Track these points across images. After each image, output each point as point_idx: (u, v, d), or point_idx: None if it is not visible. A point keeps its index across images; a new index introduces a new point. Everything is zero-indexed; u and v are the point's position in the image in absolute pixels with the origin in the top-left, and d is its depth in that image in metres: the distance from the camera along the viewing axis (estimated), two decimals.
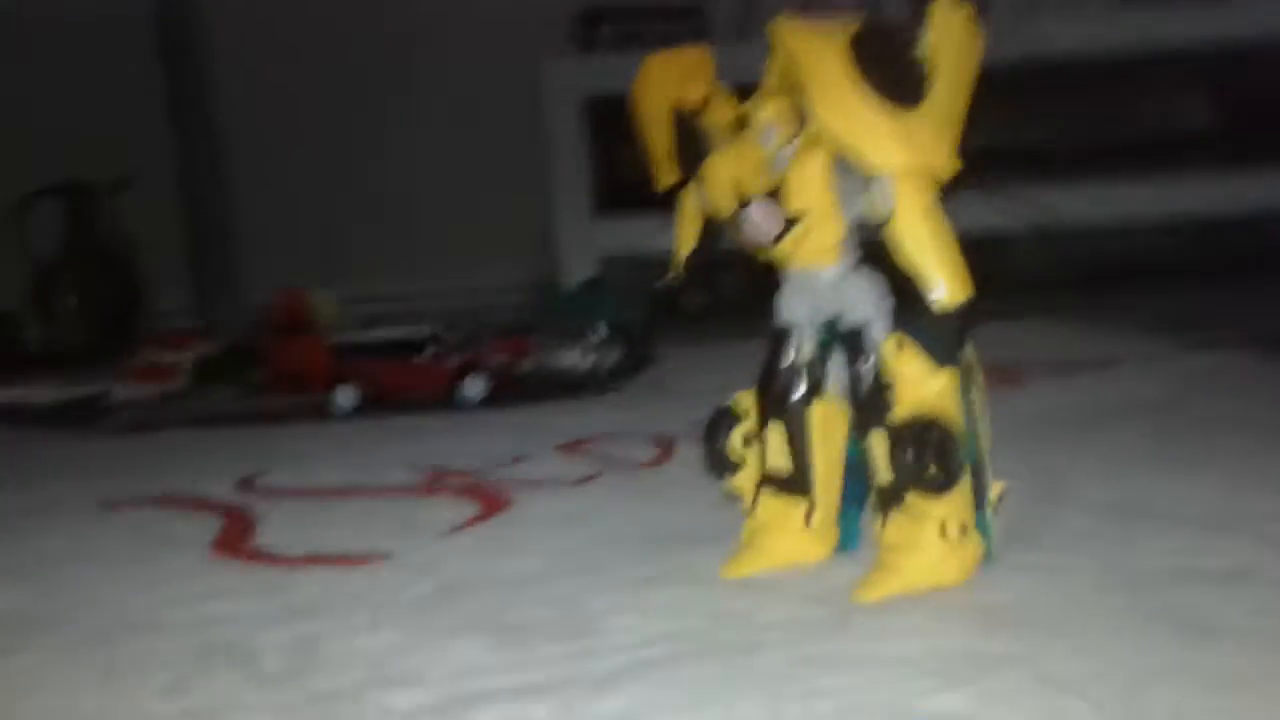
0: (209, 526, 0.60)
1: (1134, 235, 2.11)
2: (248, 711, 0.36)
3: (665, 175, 0.48)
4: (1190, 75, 2.06)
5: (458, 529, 0.57)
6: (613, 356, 1.07)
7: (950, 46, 0.42)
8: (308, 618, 0.45)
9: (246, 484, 0.70)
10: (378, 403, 1.03)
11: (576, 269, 1.71)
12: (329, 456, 0.80)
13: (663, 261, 0.50)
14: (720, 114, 0.47)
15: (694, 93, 0.47)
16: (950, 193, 0.42)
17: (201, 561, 0.54)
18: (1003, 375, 0.92)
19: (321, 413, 1.02)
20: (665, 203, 0.50)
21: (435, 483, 0.68)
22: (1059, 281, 1.98)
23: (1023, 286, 1.99)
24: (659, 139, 0.48)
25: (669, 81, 0.47)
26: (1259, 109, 1.92)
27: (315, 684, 0.38)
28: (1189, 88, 2.10)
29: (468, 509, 0.60)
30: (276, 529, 0.59)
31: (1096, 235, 2.00)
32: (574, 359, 1.03)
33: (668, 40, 0.51)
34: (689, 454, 0.71)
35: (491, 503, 0.61)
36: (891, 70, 0.40)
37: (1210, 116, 2.07)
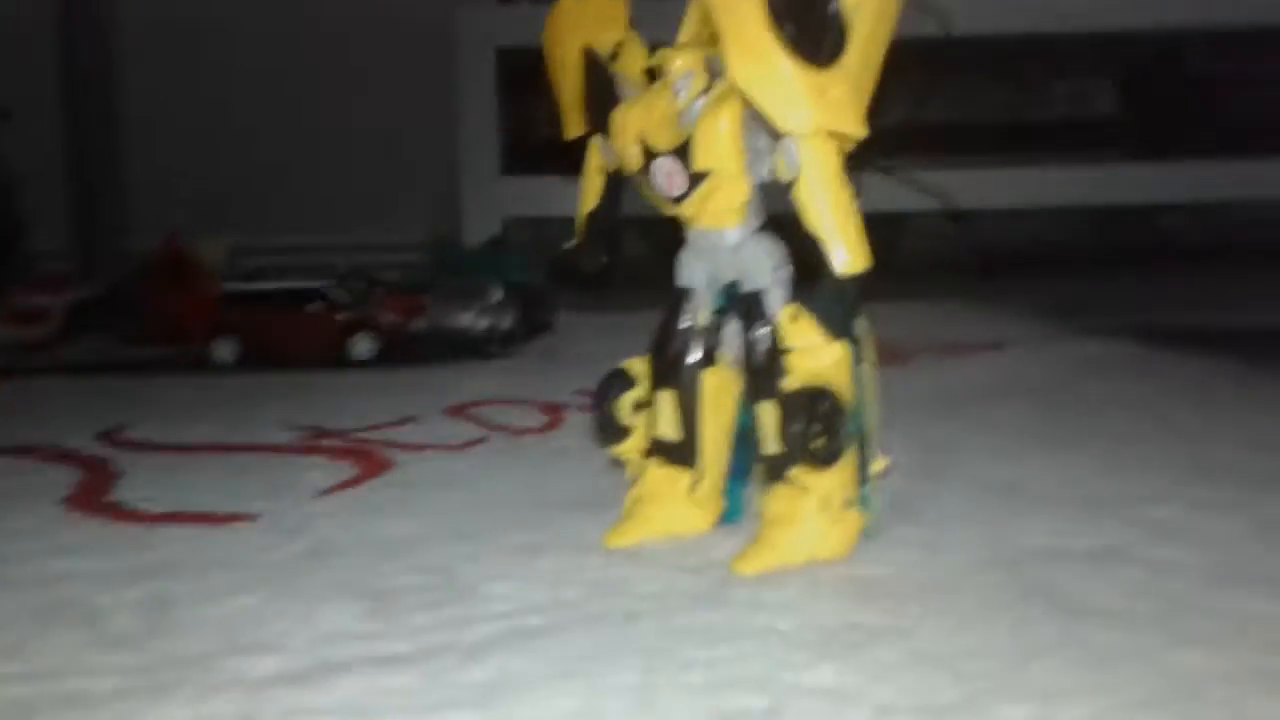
0: (66, 480, 0.57)
1: (1031, 220, 2.17)
2: (90, 675, 0.34)
3: (573, 124, 0.47)
4: (1099, 62, 2.11)
5: (331, 490, 0.55)
6: (509, 320, 1.05)
7: (870, 6, 0.41)
8: (163, 578, 0.42)
9: (110, 436, 0.67)
10: (261, 357, 1.00)
11: (479, 228, 1.68)
12: (203, 411, 0.76)
13: (567, 224, 0.49)
14: (633, 63, 0.45)
15: (607, 38, 0.45)
16: (854, 167, 0.41)
17: (54, 516, 0.51)
18: (893, 354, 0.93)
19: (200, 365, 0.98)
20: (573, 166, 0.48)
21: (313, 442, 0.65)
22: (953, 263, 2.02)
23: (917, 267, 2.03)
24: (568, 85, 0.46)
25: (582, 24, 0.46)
26: (1163, 100, 1.98)
27: (165, 648, 0.36)
28: (1097, 74, 2.15)
29: (345, 470, 0.58)
30: (138, 485, 0.56)
31: (994, 219, 2.04)
32: (469, 320, 1.00)
33: None
34: (579, 421, 0.70)
35: (370, 465, 0.59)
36: (809, 26, 0.39)
37: (1116, 105, 2.13)
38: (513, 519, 0.49)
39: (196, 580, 0.42)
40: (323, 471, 0.58)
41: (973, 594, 0.39)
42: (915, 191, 1.75)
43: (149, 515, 0.51)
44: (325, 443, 0.65)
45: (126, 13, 2.21)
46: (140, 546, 0.46)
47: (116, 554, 0.45)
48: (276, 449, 0.64)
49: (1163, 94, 1.99)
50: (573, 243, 0.49)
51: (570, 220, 0.49)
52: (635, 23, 0.46)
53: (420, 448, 0.63)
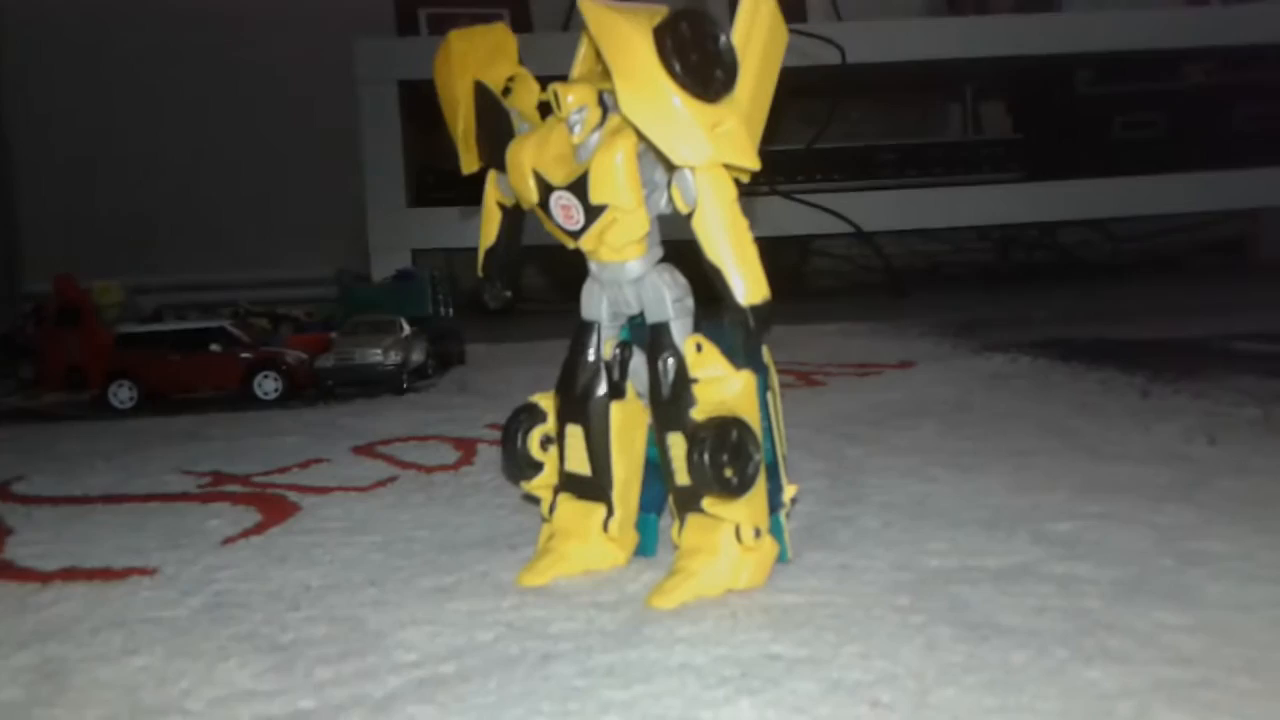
0: None
1: (936, 240, 2.22)
2: None
3: (468, 159, 0.46)
4: (993, 86, 2.17)
5: (233, 539, 0.53)
6: (419, 353, 1.04)
7: (759, 37, 0.42)
8: (57, 640, 0.40)
9: (2, 490, 0.64)
10: (161, 400, 0.97)
11: (387, 261, 1.66)
12: (99, 459, 0.74)
13: (473, 255, 0.48)
14: (525, 97, 0.45)
15: (498, 72, 0.45)
16: (753, 192, 0.41)
17: None
18: (804, 377, 0.94)
19: (97, 410, 0.95)
20: (481, 196, 0.47)
21: (214, 489, 0.63)
22: (862, 284, 2.05)
23: (827, 289, 2.05)
24: (461, 120, 0.46)
25: (472, 58, 0.45)
26: (1056, 122, 2.04)
27: (57, 715, 0.34)
28: (991, 98, 2.21)
29: (248, 517, 0.56)
30: (30, 540, 0.54)
31: (899, 239, 2.08)
32: (377, 356, 0.99)
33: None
34: (492, 456, 0.69)
35: (275, 511, 0.57)
36: (699, 61, 0.39)
37: (1010, 127, 2.19)
38: (424, 561, 0.48)
39: (91, 641, 0.40)
40: (225, 520, 0.56)
41: (886, 618, 0.39)
42: (820, 213, 1.78)
43: (41, 573, 0.49)
44: (227, 489, 0.63)
45: (14, 51, 2.15)
46: (31, 608, 0.44)
47: (8, 616, 0.43)
48: (176, 497, 0.62)
49: (1055, 116, 2.06)
50: (480, 277, 0.48)
51: (477, 250, 0.48)
52: (540, 63, 0.45)
53: (327, 490, 0.62)
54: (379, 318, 1.04)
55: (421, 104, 1.77)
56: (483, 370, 1.13)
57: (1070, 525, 0.48)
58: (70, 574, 0.48)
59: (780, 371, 0.46)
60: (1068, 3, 2.03)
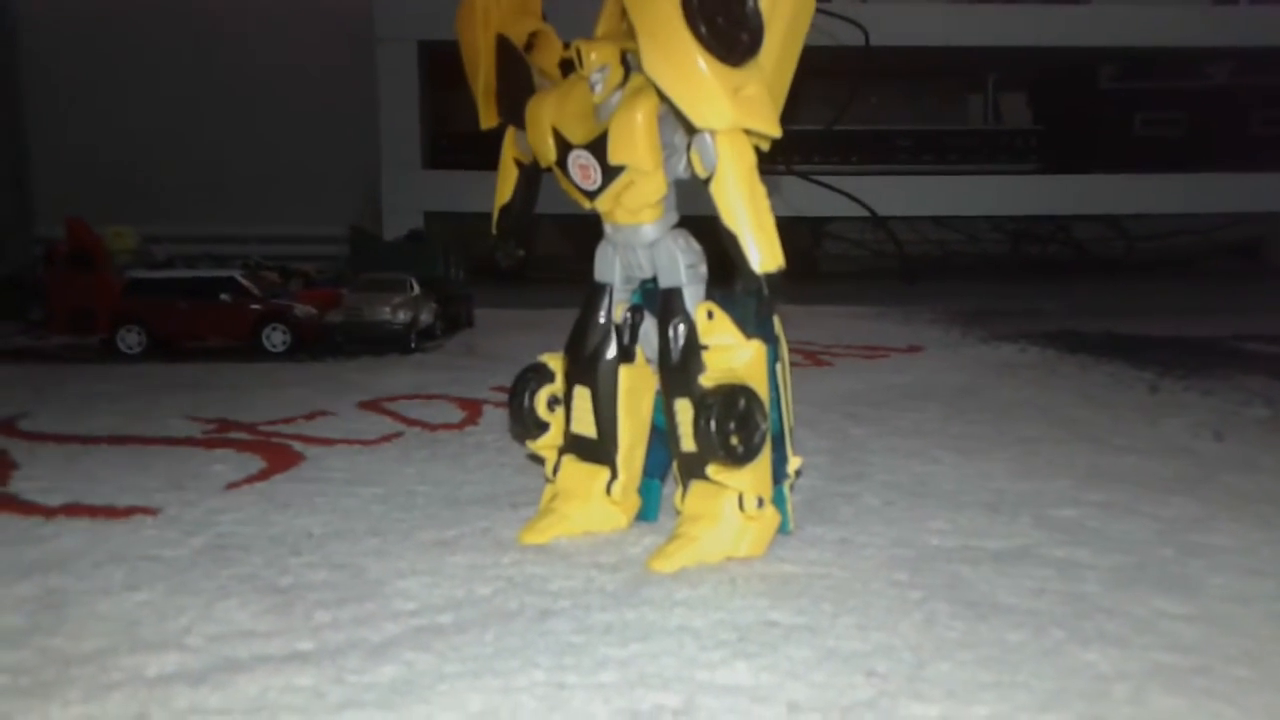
0: None
1: (949, 228, 2.21)
2: None
3: (487, 114, 0.46)
4: (1016, 77, 2.15)
5: (237, 484, 0.53)
6: (427, 314, 1.04)
7: (786, 6, 0.41)
8: (58, 572, 0.41)
9: (7, 426, 0.64)
10: (170, 347, 0.97)
11: (400, 222, 1.66)
12: (106, 401, 0.74)
13: (487, 219, 0.48)
14: (548, 54, 0.44)
15: (521, 27, 0.45)
16: (770, 171, 0.41)
17: None
18: (812, 356, 0.94)
19: (105, 354, 0.95)
20: (495, 161, 0.47)
21: (219, 435, 0.63)
22: (875, 269, 2.05)
23: (839, 272, 2.05)
24: (482, 75, 0.45)
25: (495, 12, 0.45)
26: (1077, 116, 2.03)
27: (57, 645, 0.34)
28: (1013, 89, 2.20)
29: (252, 464, 0.57)
30: (35, 476, 0.54)
31: (913, 226, 2.07)
32: (386, 314, 0.99)
33: None
34: (497, 417, 0.69)
35: (279, 459, 0.58)
36: (724, 24, 0.38)
37: (1030, 119, 2.18)
38: (425, 515, 0.48)
39: (92, 575, 0.40)
40: (229, 465, 0.57)
41: (885, 592, 0.39)
42: (835, 195, 1.77)
43: (45, 508, 0.49)
44: (232, 435, 0.63)
45: (30, 3, 2.14)
46: (34, 540, 0.44)
47: (10, 547, 0.43)
48: (181, 441, 0.62)
49: (1076, 109, 2.04)
50: (493, 238, 0.48)
51: (490, 215, 0.48)
52: (562, 27, 0.45)
53: (331, 442, 0.62)
54: (389, 276, 1.04)
55: (440, 65, 1.76)
56: (491, 334, 1.13)
57: (1073, 512, 0.48)
58: (73, 509, 0.48)
59: (789, 349, 0.46)
60: None
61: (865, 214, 1.80)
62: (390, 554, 0.43)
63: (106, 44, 2.16)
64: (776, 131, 0.40)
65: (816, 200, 1.78)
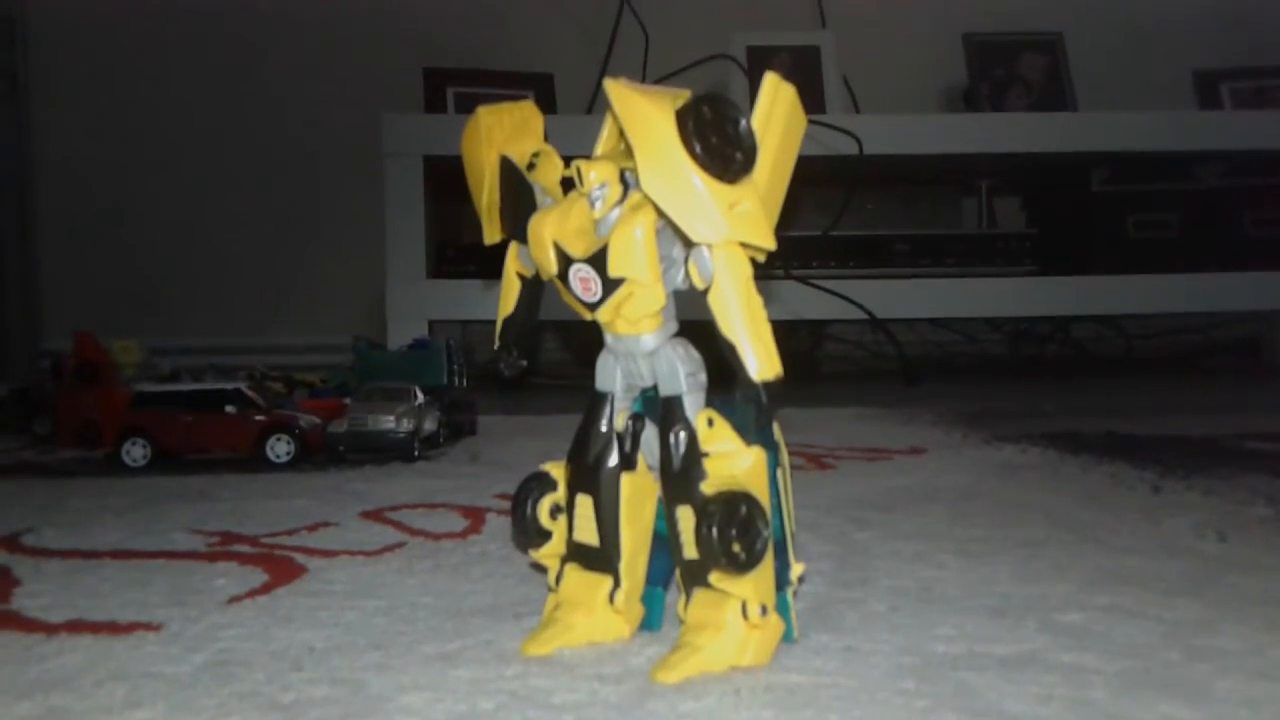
0: None
1: (949, 330, 2.23)
2: None
3: (490, 230, 0.47)
4: (1008, 182, 2.20)
5: (239, 598, 0.53)
6: (431, 422, 1.05)
7: (778, 122, 0.43)
8: (59, 691, 0.40)
9: (10, 542, 0.65)
10: (174, 459, 0.97)
11: (404, 330, 1.67)
12: (109, 515, 0.74)
13: (490, 326, 0.49)
14: (549, 172, 0.46)
15: (523, 147, 0.46)
16: (768, 276, 0.42)
17: None
18: (814, 459, 0.94)
19: (110, 467, 0.95)
20: (497, 270, 0.48)
21: (222, 548, 0.63)
22: (874, 372, 2.06)
23: (840, 374, 2.06)
24: (486, 192, 0.47)
25: (499, 132, 0.46)
26: (1070, 219, 2.06)
27: None
28: (1007, 193, 2.24)
29: (254, 577, 0.56)
30: (38, 592, 0.54)
31: (913, 329, 2.09)
32: (389, 423, 0.99)
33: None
34: (500, 525, 0.69)
35: (281, 571, 0.58)
36: (719, 142, 0.40)
37: (1025, 222, 2.22)
38: (428, 627, 0.48)
39: (94, 693, 0.40)
40: (231, 579, 0.56)
41: (891, 702, 0.38)
42: (834, 299, 1.79)
43: (47, 625, 0.49)
44: (235, 549, 0.63)
45: (45, 109, 2.20)
46: (36, 658, 0.44)
47: (9, 665, 0.43)
48: (184, 555, 0.62)
49: (1069, 212, 2.08)
50: (498, 349, 0.49)
51: (493, 323, 0.49)
52: (564, 144, 0.46)
53: (334, 553, 0.62)
54: (393, 385, 1.05)
55: (444, 179, 1.81)
56: (494, 441, 1.13)
57: (1078, 616, 0.48)
58: (76, 626, 0.48)
59: (790, 453, 0.46)
60: (1082, 102, 2.07)
61: (864, 317, 1.82)
62: (392, 668, 0.43)
63: (115, 160, 2.21)
64: (771, 245, 0.41)
65: (816, 304, 1.80)
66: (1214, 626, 0.46)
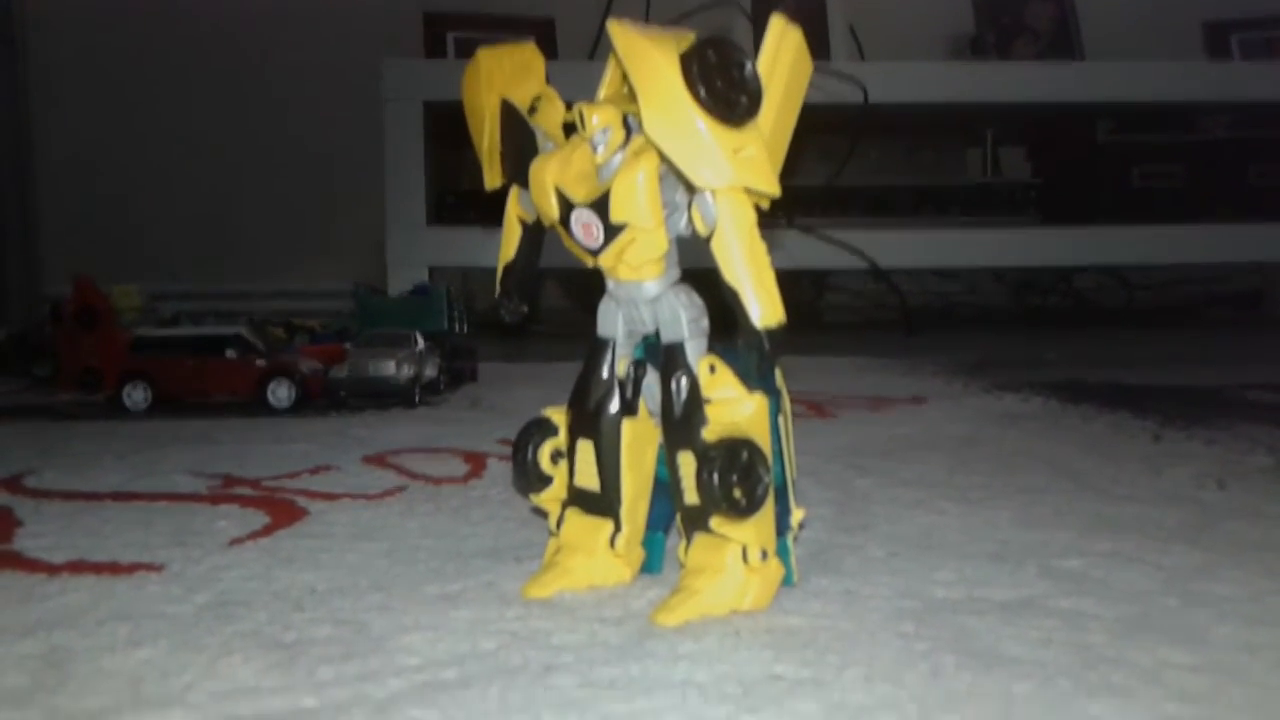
0: None
1: (951, 280, 2.22)
2: None
3: (491, 174, 0.47)
4: (1013, 132, 2.18)
5: (241, 540, 0.53)
6: (432, 368, 1.05)
7: (784, 67, 0.42)
8: (62, 630, 0.41)
9: (12, 483, 0.65)
10: (175, 403, 0.97)
11: (404, 277, 1.67)
12: (111, 458, 0.74)
13: (491, 274, 0.48)
14: (551, 116, 0.45)
15: (525, 90, 0.45)
16: (772, 225, 0.41)
17: None
18: (816, 408, 0.94)
19: (111, 411, 0.95)
20: (498, 217, 0.48)
21: (224, 490, 0.63)
22: (876, 322, 2.06)
23: (842, 324, 2.06)
24: (487, 136, 0.46)
25: (499, 78, 0.46)
26: (1075, 169, 2.05)
27: (60, 703, 0.34)
28: (1012, 143, 2.22)
29: (256, 520, 0.57)
30: (39, 532, 0.54)
31: (916, 278, 2.08)
32: (390, 369, 0.99)
33: None
34: (501, 470, 0.69)
35: (282, 514, 0.58)
36: (724, 86, 0.39)
37: (1029, 172, 2.20)
38: (429, 569, 0.48)
39: (96, 632, 0.40)
40: (233, 521, 0.57)
41: (890, 645, 0.39)
42: (837, 248, 1.78)
43: (49, 565, 0.49)
44: (236, 491, 0.63)
45: (42, 55, 2.18)
46: (38, 597, 0.44)
47: (14, 604, 0.43)
48: (186, 497, 0.62)
49: (1074, 163, 2.06)
50: (499, 295, 0.48)
51: (494, 270, 0.49)
52: (566, 89, 0.46)
53: (336, 496, 0.62)
54: (394, 331, 1.04)
55: (445, 125, 1.79)
56: (495, 388, 1.13)
57: (1078, 562, 0.48)
58: (78, 566, 0.48)
59: (792, 400, 0.46)
60: (1090, 52, 2.04)
61: (867, 266, 1.81)
62: (394, 609, 0.43)
63: (114, 105, 2.19)
64: (775, 190, 0.41)
65: (818, 253, 1.80)
66: (1212, 573, 0.46)
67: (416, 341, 1.03)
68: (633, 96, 0.40)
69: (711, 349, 0.43)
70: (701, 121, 0.39)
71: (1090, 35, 2.06)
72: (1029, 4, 2.09)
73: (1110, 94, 1.88)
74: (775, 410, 0.44)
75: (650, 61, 0.39)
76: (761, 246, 0.41)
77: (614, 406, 0.45)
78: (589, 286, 0.47)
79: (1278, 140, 1.98)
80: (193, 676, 0.36)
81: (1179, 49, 2.08)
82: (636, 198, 0.41)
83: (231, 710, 0.34)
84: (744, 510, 0.41)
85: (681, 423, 0.43)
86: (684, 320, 0.43)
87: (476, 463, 0.72)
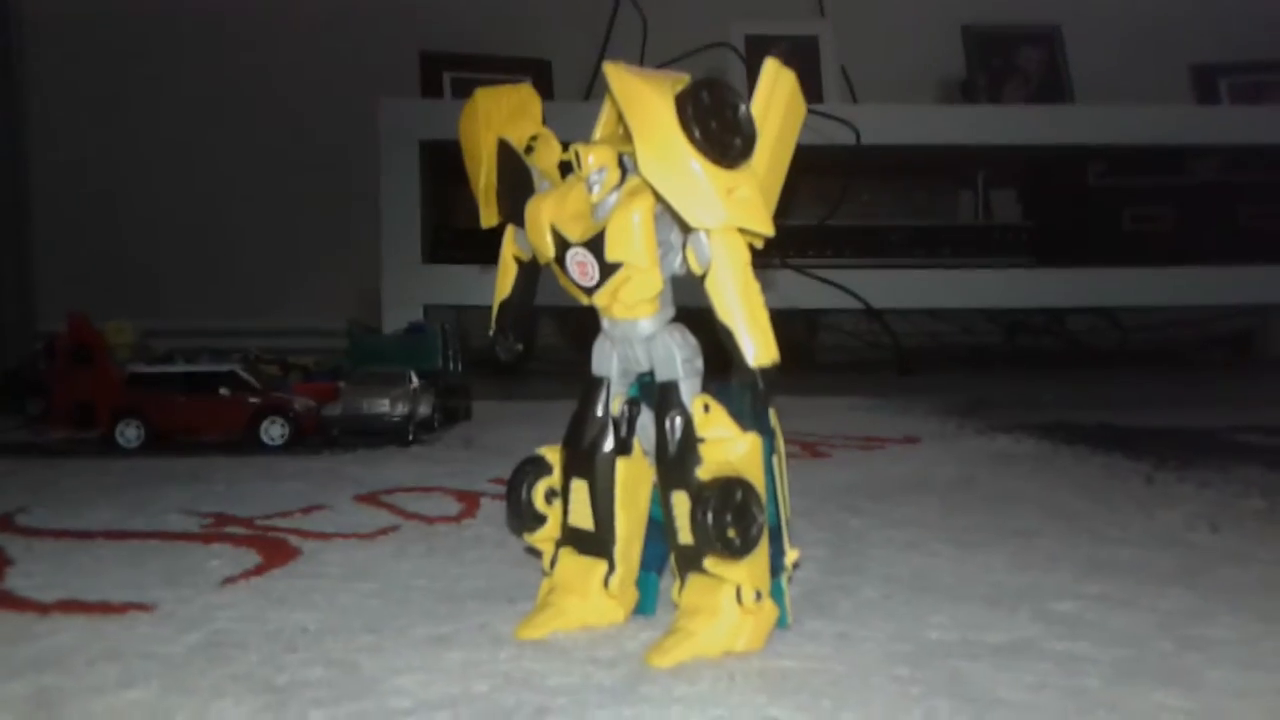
0: None
1: (944, 321, 2.23)
2: None
3: (488, 213, 0.47)
4: (1005, 174, 2.20)
5: (233, 580, 0.53)
6: (426, 406, 1.05)
7: (777, 109, 0.43)
8: (52, 670, 0.40)
9: (4, 521, 0.64)
10: (168, 441, 0.97)
11: (399, 315, 1.67)
12: (104, 495, 0.74)
13: (486, 312, 0.49)
14: (547, 156, 0.45)
15: (521, 130, 0.46)
16: (765, 265, 0.42)
17: None
18: (809, 448, 0.94)
19: (104, 448, 0.95)
20: (493, 255, 0.48)
21: (216, 529, 0.63)
22: (869, 362, 2.06)
23: (835, 364, 2.06)
24: (483, 175, 0.46)
25: (497, 115, 0.46)
26: (1066, 211, 2.06)
27: None
28: (1004, 185, 2.24)
29: (248, 559, 0.56)
30: (31, 572, 0.54)
31: (909, 319, 2.09)
32: (384, 407, 0.99)
33: None
34: (494, 509, 0.69)
35: (275, 553, 0.57)
36: (718, 128, 0.40)
37: (1022, 214, 2.22)
38: (422, 610, 0.48)
39: (86, 672, 0.40)
40: (225, 560, 0.56)
41: (884, 688, 0.38)
42: (830, 288, 1.79)
43: (40, 604, 0.48)
44: (229, 530, 0.63)
45: (37, 89, 2.19)
46: (28, 637, 0.44)
47: (2, 644, 0.43)
48: (178, 536, 0.62)
49: (1065, 205, 2.08)
50: (492, 332, 0.48)
51: (489, 308, 0.49)
52: (561, 129, 0.46)
53: (328, 536, 0.62)
54: (388, 370, 1.04)
55: (441, 164, 1.80)
56: (489, 426, 1.13)
57: (1072, 605, 0.48)
58: (69, 606, 0.48)
59: (786, 440, 0.46)
60: (1080, 95, 2.07)
61: (860, 306, 1.82)
62: (386, 650, 0.43)
63: (111, 140, 2.20)
64: (769, 230, 0.41)
65: (812, 293, 1.80)
66: (1206, 617, 0.46)
67: (411, 380, 1.03)
68: (628, 137, 0.41)
69: (706, 388, 0.43)
70: (696, 162, 0.39)
71: (1080, 78, 2.09)
72: (1020, 47, 2.12)
73: (1101, 136, 1.90)
74: (769, 450, 0.44)
75: (645, 102, 0.40)
76: (756, 286, 0.41)
77: (608, 446, 0.45)
78: (584, 325, 0.47)
79: (1268, 183, 1.99)
80: (183, 718, 0.36)
81: (1168, 92, 2.10)
82: (631, 237, 0.41)
83: None
84: (738, 550, 0.41)
85: (675, 462, 0.43)
86: (678, 359, 0.43)
87: (470, 502, 0.71)
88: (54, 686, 0.39)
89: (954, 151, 1.95)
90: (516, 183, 0.46)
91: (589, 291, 0.43)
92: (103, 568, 0.55)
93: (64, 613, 0.47)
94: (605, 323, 0.45)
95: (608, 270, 0.42)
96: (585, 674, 0.40)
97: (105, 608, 0.48)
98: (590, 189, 0.43)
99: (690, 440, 0.42)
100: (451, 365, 1.18)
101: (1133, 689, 0.38)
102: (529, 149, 0.46)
